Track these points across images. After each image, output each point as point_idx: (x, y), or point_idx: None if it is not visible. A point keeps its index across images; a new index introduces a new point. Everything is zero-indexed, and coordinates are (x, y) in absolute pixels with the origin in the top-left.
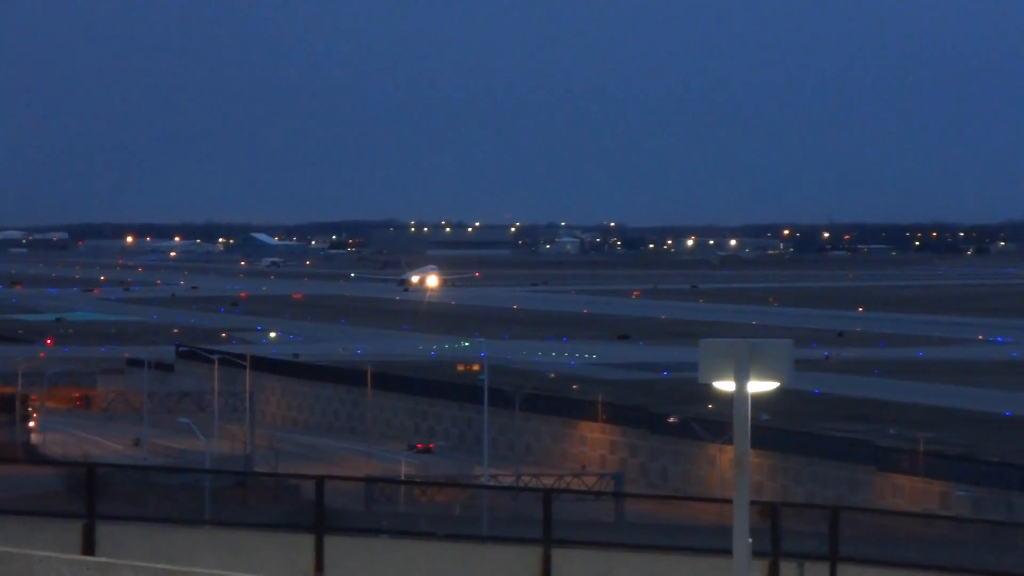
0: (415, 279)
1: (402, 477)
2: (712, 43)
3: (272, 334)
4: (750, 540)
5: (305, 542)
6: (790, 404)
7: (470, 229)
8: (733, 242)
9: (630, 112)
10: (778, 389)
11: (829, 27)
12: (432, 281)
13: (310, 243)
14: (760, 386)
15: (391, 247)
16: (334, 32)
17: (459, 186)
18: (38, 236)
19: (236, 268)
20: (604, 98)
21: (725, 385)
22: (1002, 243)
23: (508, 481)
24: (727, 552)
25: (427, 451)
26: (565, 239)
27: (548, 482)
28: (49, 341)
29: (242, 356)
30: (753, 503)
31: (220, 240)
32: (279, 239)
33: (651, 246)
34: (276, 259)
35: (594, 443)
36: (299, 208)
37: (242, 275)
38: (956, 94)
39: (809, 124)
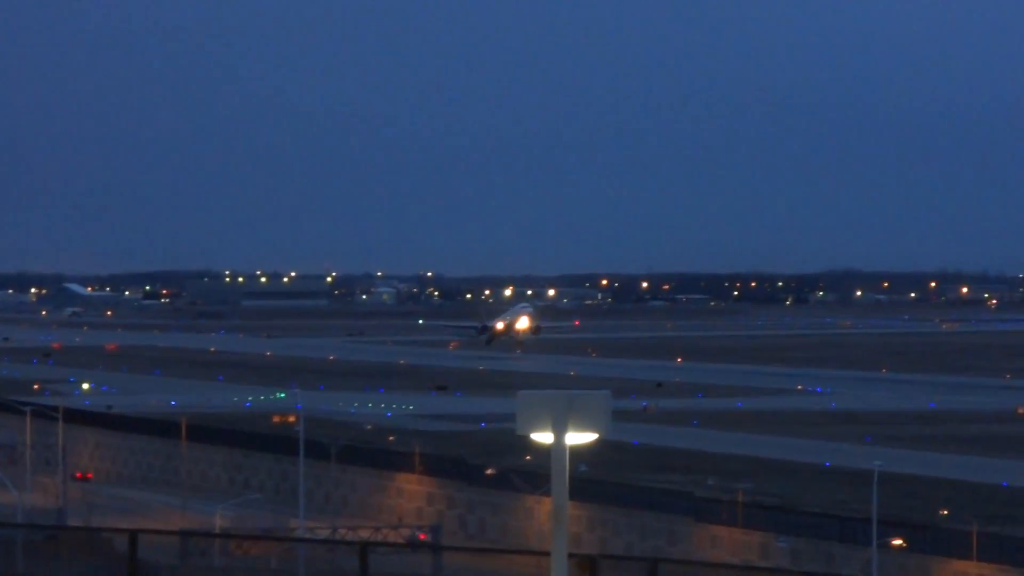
0: (500, 326)
1: (217, 530)
2: (528, 91)
3: (85, 385)
4: None
5: None
6: (609, 455)
7: (286, 279)
8: (551, 292)
9: (447, 161)
10: (597, 440)
11: (645, 75)
12: (523, 323)
13: (124, 293)
14: (578, 438)
15: (206, 297)
16: (146, 80)
17: (274, 236)
18: None
19: (47, 319)
20: (421, 146)
21: (543, 437)
22: (820, 293)
23: (325, 534)
24: None
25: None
26: (382, 289)
27: (365, 535)
28: None
29: (55, 408)
30: (571, 555)
31: (32, 290)
32: (92, 289)
33: (469, 296)
34: (77, 309)
35: (411, 495)
36: (114, 258)
37: (54, 326)
38: (774, 143)
39: (627, 173)
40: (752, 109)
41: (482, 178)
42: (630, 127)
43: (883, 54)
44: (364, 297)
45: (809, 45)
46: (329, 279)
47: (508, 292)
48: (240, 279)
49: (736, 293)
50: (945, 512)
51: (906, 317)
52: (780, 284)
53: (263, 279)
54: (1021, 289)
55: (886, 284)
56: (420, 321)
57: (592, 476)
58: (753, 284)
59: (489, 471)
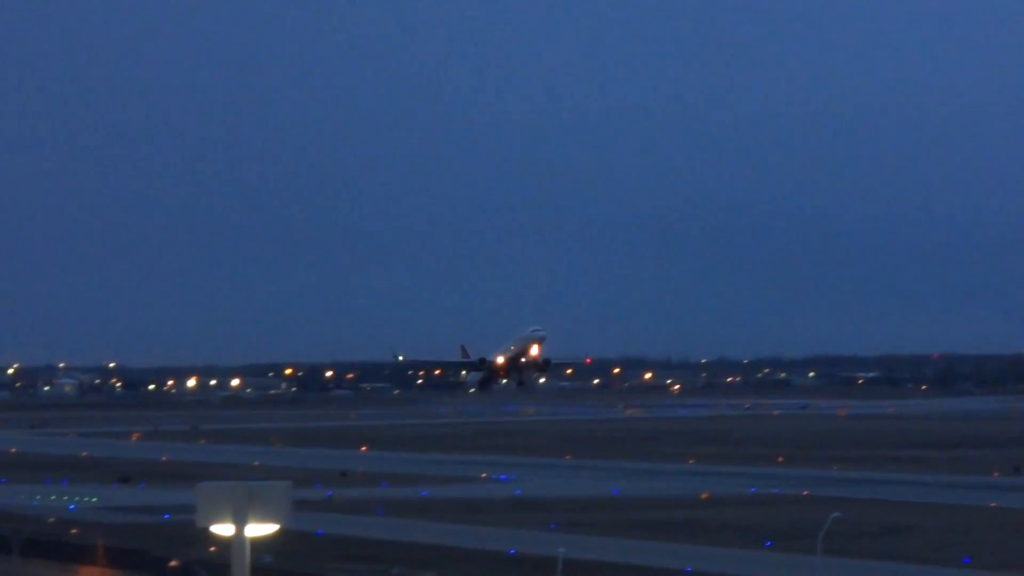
0: (501, 360)
1: None
2: (204, 180)
3: None
4: None
5: None
6: (293, 546)
7: None
8: (235, 382)
9: (126, 248)
10: (281, 531)
11: (301, 159)
12: (535, 351)
13: None
14: (259, 529)
15: None
16: None
17: None
18: None
19: None
20: (97, 232)
21: (223, 529)
22: (504, 380)
23: None
24: None
25: None
26: (64, 380)
27: None
28: None
29: None
30: None
31: None
32: None
33: (152, 387)
34: None
35: None
36: None
37: None
38: (448, 227)
39: (307, 262)
40: (418, 197)
41: (162, 266)
42: (302, 216)
43: (568, 135)
44: (46, 389)
45: (484, 128)
46: (10, 371)
47: (192, 382)
48: None
49: (420, 381)
50: None
51: (589, 403)
52: (464, 372)
53: None
54: (703, 375)
55: (569, 371)
56: (400, 357)
57: (276, 567)
58: (437, 372)
59: (173, 563)
